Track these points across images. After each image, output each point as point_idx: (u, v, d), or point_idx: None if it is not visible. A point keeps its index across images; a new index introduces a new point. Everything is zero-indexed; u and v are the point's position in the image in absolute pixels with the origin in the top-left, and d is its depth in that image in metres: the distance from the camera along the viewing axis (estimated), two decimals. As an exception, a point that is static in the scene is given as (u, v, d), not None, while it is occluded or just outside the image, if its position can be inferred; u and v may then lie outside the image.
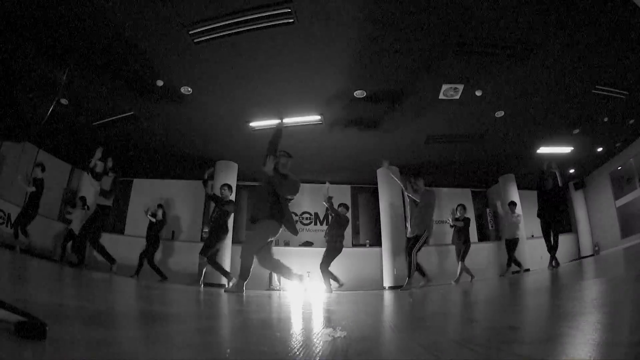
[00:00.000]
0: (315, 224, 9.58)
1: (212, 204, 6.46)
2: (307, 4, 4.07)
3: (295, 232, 3.94)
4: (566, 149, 7.80)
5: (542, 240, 6.40)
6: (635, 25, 4.37)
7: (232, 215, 6.64)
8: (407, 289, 5.34)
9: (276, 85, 5.61)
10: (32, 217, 6.20)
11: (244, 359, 0.89)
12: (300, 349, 0.96)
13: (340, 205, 6.56)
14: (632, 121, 6.77)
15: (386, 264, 7.87)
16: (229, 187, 6.31)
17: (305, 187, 8.49)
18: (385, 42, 4.68)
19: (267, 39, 4.60)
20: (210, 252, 6.03)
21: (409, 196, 5.96)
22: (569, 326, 1.12)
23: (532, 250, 8.32)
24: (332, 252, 6.20)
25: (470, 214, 9.13)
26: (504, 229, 7.93)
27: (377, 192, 8.58)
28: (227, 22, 4.31)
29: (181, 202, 9.15)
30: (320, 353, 0.91)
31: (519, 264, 7.36)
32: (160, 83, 5.52)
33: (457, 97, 5.79)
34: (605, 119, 6.64)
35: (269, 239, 3.80)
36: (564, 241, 8.67)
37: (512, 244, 7.26)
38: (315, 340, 1.11)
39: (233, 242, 7.54)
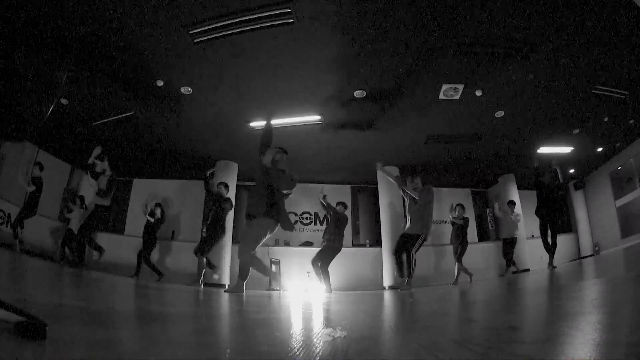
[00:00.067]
0: (315, 224, 9.56)
1: (210, 203, 6.47)
2: (307, 4, 4.07)
3: (291, 228, 3.92)
4: (566, 149, 7.80)
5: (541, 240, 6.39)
6: (635, 26, 4.37)
7: (232, 215, 6.64)
8: (407, 289, 5.33)
9: (276, 85, 5.60)
10: (30, 215, 6.21)
11: (244, 359, 0.89)
12: (300, 349, 0.96)
13: (338, 203, 6.48)
14: (632, 121, 6.77)
15: (386, 264, 7.86)
16: (226, 185, 6.33)
17: (305, 187, 8.50)
18: (385, 42, 4.68)
19: (267, 39, 4.60)
20: (208, 251, 6.02)
21: (408, 192, 5.84)
22: (568, 326, 1.12)
23: (532, 250, 8.31)
24: (329, 252, 6.08)
25: (470, 214, 9.13)
26: (502, 228, 7.92)
27: (377, 192, 8.58)
28: (227, 22, 4.31)
29: (181, 202, 9.15)
30: (320, 353, 0.90)
31: (512, 264, 7.35)
32: (160, 83, 5.51)
33: (457, 97, 5.78)
34: (605, 119, 6.64)
35: (266, 237, 3.77)
36: (564, 241, 8.70)
37: (510, 244, 7.25)
38: (315, 340, 1.11)
39: (233, 242, 7.54)
